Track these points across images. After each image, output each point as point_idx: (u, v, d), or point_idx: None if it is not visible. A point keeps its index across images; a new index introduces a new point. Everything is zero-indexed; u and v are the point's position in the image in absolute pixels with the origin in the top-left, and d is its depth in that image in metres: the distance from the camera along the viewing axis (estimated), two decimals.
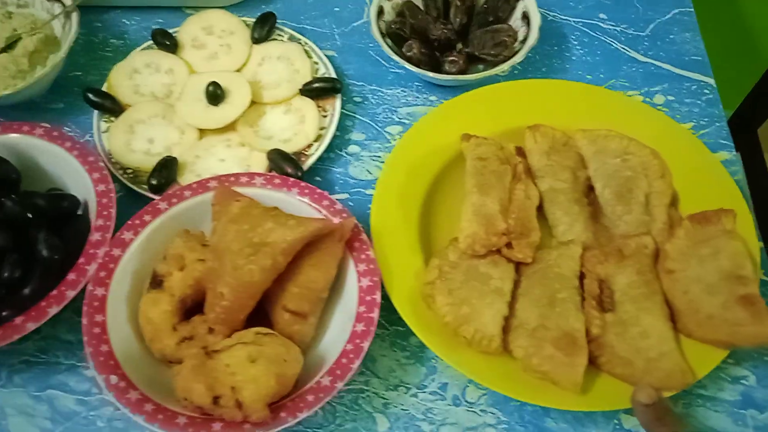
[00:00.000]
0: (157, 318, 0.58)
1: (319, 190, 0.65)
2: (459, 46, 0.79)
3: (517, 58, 0.74)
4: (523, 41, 0.77)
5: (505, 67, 0.74)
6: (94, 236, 0.61)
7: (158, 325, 0.58)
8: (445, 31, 0.77)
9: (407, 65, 0.74)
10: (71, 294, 0.58)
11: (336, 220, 0.62)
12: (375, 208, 0.65)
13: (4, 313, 0.59)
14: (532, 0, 0.78)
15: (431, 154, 0.70)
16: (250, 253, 0.57)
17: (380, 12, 0.79)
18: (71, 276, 0.59)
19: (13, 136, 0.67)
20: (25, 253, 0.61)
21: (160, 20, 0.86)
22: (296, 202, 0.64)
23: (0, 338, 0.55)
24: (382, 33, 0.77)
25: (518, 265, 0.63)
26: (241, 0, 0.87)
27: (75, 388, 0.61)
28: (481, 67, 0.78)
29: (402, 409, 0.60)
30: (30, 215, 0.62)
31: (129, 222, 0.62)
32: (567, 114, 0.72)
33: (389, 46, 0.76)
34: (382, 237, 0.63)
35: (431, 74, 0.74)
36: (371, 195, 0.72)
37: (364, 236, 0.62)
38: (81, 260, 0.60)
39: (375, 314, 0.57)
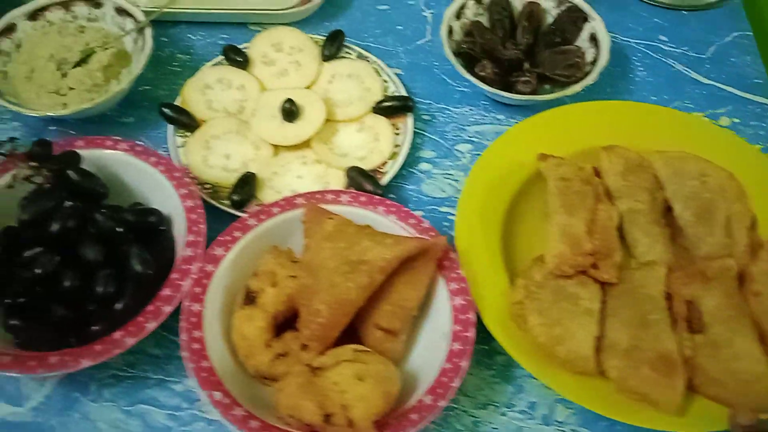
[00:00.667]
0: (251, 334, 0.59)
1: (405, 208, 0.66)
2: (526, 65, 0.80)
3: (589, 80, 0.75)
4: (592, 62, 0.78)
5: (577, 87, 0.75)
6: (186, 252, 0.62)
7: (253, 341, 0.59)
8: (516, 51, 0.78)
9: (481, 85, 0.75)
10: (168, 309, 0.58)
11: (424, 239, 0.63)
12: (459, 228, 0.66)
13: (94, 328, 0.60)
14: (600, 22, 0.79)
15: (508, 174, 0.71)
16: (348, 271, 0.58)
17: (449, 32, 0.80)
18: (166, 291, 0.59)
19: (98, 152, 0.67)
20: (117, 268, 0.61)
21: (225, 36, 0.87)
22: (382, 219, 0.65)
23: (100, 353, 0.56)
24: (453, 52, 0.78)
25: (602, 285, 0.64)
26: (305, 17, 0.88)
27: (165, 403, 0.61)
28: (547, 87, 0.79)
29: (492, 428, 0.61)
30: (119, 230, 0.62)
31: (220, 238, 0.63)
32: (639, 135, 0.73)
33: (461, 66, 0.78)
34: (468, 256, 0.64)
35: (505, 94, 0.75)
36: (445, 213, 0.73)
37: (453, 255, 0.62)
38: (174, 275, 0.60)
39: (471, 333, 0.58)
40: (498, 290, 0.63)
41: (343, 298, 0.58)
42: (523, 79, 0.76)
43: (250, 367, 0.59)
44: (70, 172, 0.63)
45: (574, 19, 0.80)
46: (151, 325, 0.57)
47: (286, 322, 0.61)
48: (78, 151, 0.66)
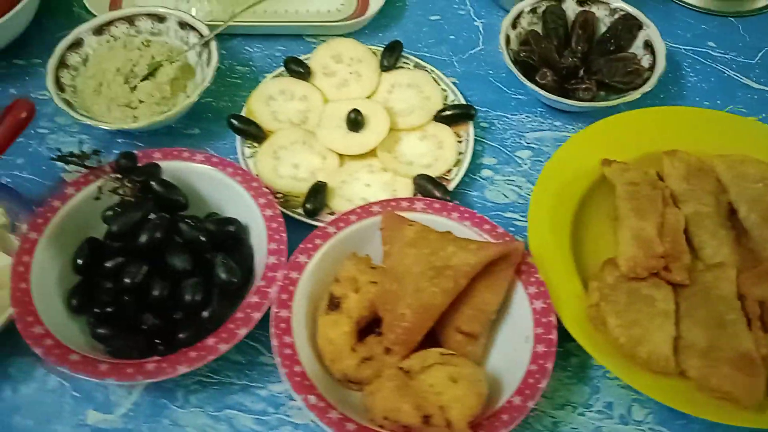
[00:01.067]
0: (337, 339, 0.60)
1: (478, 214, 0.67)
2: (581, 72, 0.82)
3: (648, 86, 0.77)
4: (649, 69, 0.79)
5: (636, 94, 0.76)
6: (270, 260, 0.63)
7: (339, 346, 0.60)
8: (575, 60, 0.79)
9: (542, 92, 0.77)
10: (257, 316, 0.60)
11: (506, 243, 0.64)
12: (531, 233, 0.67)
13: (181, 336, 0.61)
14: (655, 29, 0.81)
15: (574, 180, 0.72)
16: (433, 276, 0.59)
17: (507, 41, 0.82)
18: (254, 299, 0.61)
19: (174, 163, 0.69)
20: (203, 277, 0.63)
21: (282, 47, 0.89)
22: (456, 225, 0.66)
23: (195, 360, 0.57)
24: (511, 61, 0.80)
25: (674, 287, 0.65)
26: (359, 28, 0.90)
27: (251, 407, 0.62)
28: (602, 93, 0.81)
29: (572, 428, 0.62)
30: (203, 239, 0.64)
31: (302, 246, 0.64)
32: (698, 140, 0.75)
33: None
34: (542, 261, 0.65)
35: (568, 102, 0.77)
36: (510, 218, 0.75)
37: (530, 259, 0.64)
38: (261, 283, 0.62)
39: (554, 336, 0.59)
40: (572, 293, 0.64)
41: (428, 302, 0.59)
42: (584, 86, 0.77)
43: (337, 371, 0.60)
44: (154, 184, 0.65)
45: (629, 26, 0.82)
46: (243, 332, 0.59)
47: (366, 327, 0.63)
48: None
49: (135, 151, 0.67)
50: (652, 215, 0.66)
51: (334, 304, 0.61)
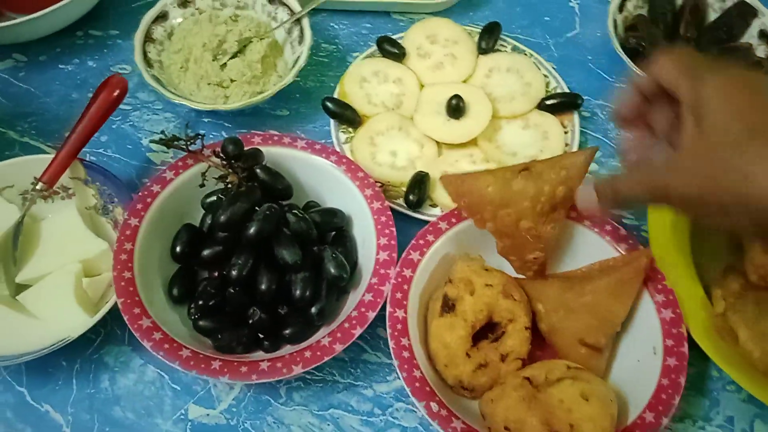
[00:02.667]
0: (453, 343, 0.57)
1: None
2: None
3: None
4: (766, 60, 0.75)
5: None
6: (381, 255, 0.60)
7: (454, 350, 0.57)
8: (689, 48, 0.75)
9: None
10: (371, 315, 0.57)
11: (622, 249, 0.61)
12: (653, 238, 0.64)
13: (287, 332, 0.59)
14: None
15: None
16: (545, 220, 0.58)
17: (614, 26, 0.77)
18: (368, 297, 0.58)
19: (275, 149, 0.65)
20: (311, 270, 0.60)
21: (368, 24, 0.85)
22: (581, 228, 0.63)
23: (311, 360, 0.54)
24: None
25: None
26: (449, 6, 0.85)
27: (357, 408, 0.60)
28: None
29: None
30: (310, 231, 0.61)
31: (414, 242, 0.61)
32: None
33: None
34: (665, 266, 0.62)
35: None
36: (617, 215, 0.71)
37: (656, 266, 0.61)
38: (374, 280, 0.59)
39: (685, 348, 0.56)
40: (697, 302, 0.61)
41: (551, 237, 0.59)
42: None
43: (451, 377, 0.57)
44: (259, 171, 0.61)
45: (743, 14, 0.77)
46: (358, 331, 0.56)
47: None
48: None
49: (237, 136, 0.64)
50: None
51: (449, 306, 0.58)
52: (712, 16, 0.80)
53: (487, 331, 0.60)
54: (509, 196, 0.58)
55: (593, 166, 0.74)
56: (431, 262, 0.61)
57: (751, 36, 0.77)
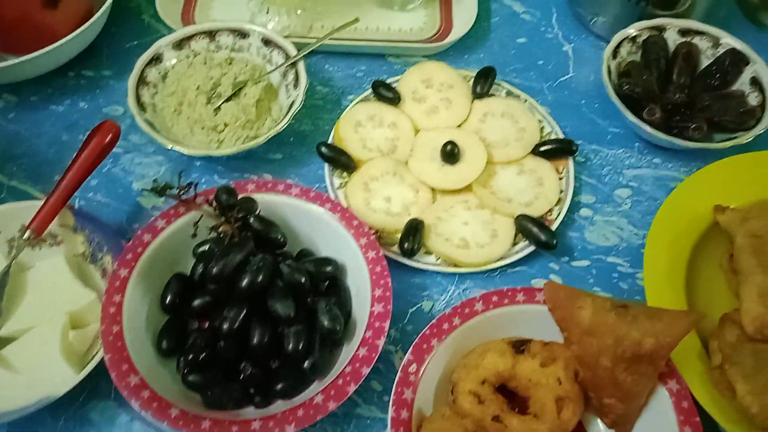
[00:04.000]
0: None
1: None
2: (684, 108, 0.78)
3: (761, 128, 0.73)
4: (759, 107, 0.75)
5: (750, 136, 0.72)
6: (376, 308, 0.59)
7: None
8: (682, 96, 0.75)
9: (652, 131, 0.72)
10: (366, 371, 0.56)
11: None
12: (649, 287, 0.63)
13: (279, 386, 0.57)
14: (763, 64, 0.77)
15: (687, 229, 0.68)
16: (626, 368, 0.55)
17: (608, 72, 0.77)
18: (362, 351, 0.57)
19: (269, 196, 0.65)
20: (304, 323, 0.59)
21: (363, 67, 0.85)
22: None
23: (303, 419, 0.53)
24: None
25: None
26: (444, 49, 0.85)
27: None
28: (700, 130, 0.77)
29: None
30: (303, 281, 0.60)
31: (433, 329, 0.59)
32: None
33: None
34: None
35: (680, 142, 0.72)
36: (612, 263, 0.71)
37: None
38: (368, 334, 0.58)
39: (697, 419, 0.55)
40: (694, 354, 0.60)
41: (631, 390, 0.55)
42: (693, 125, 0.73)
43: None
44: (253, 221, 0.60)
45: (736, 61, 0.78)
46: (352, 388, 0.55)
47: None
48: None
49: (231, 184, 0.63)
50: None
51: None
52: (705, 62, 0.80)
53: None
54: (598, 326, 0.56)
55: (586, 211, 0.74)
56: (446, 349, 0.59)
57: (743, 83, 0.78)
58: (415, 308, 0.67)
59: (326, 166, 0.73)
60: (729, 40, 0.79)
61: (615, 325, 0.55)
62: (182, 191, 0.59)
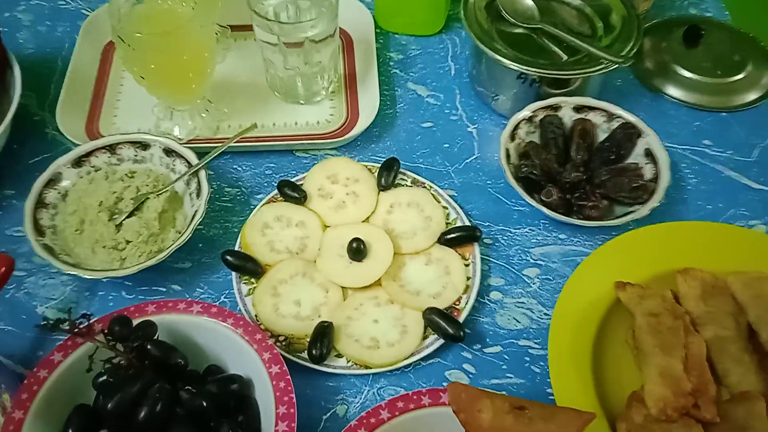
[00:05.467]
0: None
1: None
2: (584, 185, 0.79)
3: (655, 202, 0.75)
4: (652, 180, 0.78)
5: (645, 210, 0.74)
6: (280, 427, 0.58)
7: None
8: (578, 174, 0.77)
9: (549, 213, 0.74)
10: None
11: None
12: (554, 374, 0.64)
13: None
14: (655, 137, 0.80)
15: (590, 308, 0.70)
16: None
17: (507, 156, 0.79)
18: None
19: (170, 317, 0.64)
20: None
21: (271, 164, 0.85)
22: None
23: None
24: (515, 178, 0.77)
25: (704, 425, 0.62)
26: (350, 141, 0.87)
27: None
28: (605, 202, 0.78)
29: None
30: (205, 404, 0.59)
31: None
32: (712, 255, 0.73)
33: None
34: (569, 404, 0.62)
35: (576, 222, 0.74)
36: (525, 346, 0.71)
37: None
38: None
39: None
40: None
41: None
42: (591, 203, 0.75)
43: None
44: (150, 347, 0.60)
45: (629, 135, 0.80)
46: None
47: None
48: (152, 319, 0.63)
49: (127, 308, 0.63)
50: (677, 349, 0.64)
51: None
52: (601, 136, 0.83)
53: None
54: (497, 429, 0.56)
55: (496, 295, 0.75)
56: None
57: (638, 154, 0.81)
58: (329, 414, 0.67)
59: (233, 274, 0.73)
60: (620, 113, 0.82)
61: (512, 428, 0.55)
62: (74, 327, 0.58)
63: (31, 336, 0.70)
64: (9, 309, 0.72)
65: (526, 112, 0.82)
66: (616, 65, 0.81)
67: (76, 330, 0.59)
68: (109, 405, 0.56)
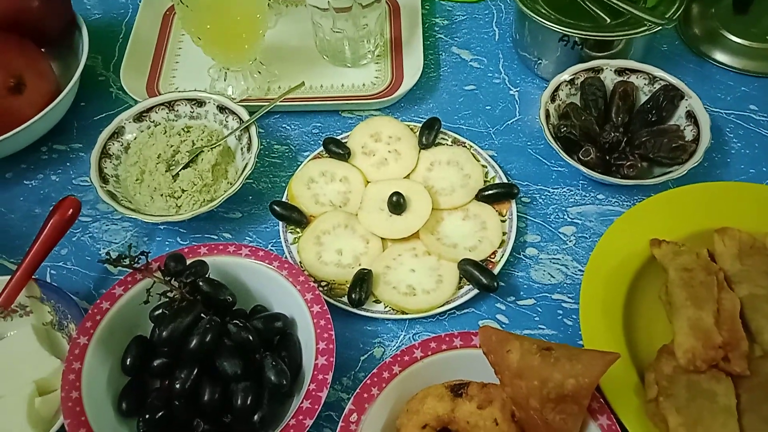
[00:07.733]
0: None
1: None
2: (623, 145, 0.80)
3: (693, 161, 0.75)
4: (693, 141, 0.78)
5: (683, 170, 0.75)
6: (320, 360, 0.62)
7: None
8: (618, 134, 0.78)
9: (587, 171, 0.76)
10: (308, 422, 0.59)
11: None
12: (584, 324, 0.66)
13: None
14: (697, 100, 0.80)
15: (624, 263, 0.71)
16: (553, 407, 0.57)
17: (547, 116, 0.81)
18: (306, 404, 0.60)
19: (221, 258, 0.69)
20: (253, 379, 0.62)
21: (318, 123, 0.89)
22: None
23: None
24: (552, 136, 0.79)
25: (733, 378, 0.63)
26: (395, 102, 0.90)
27: None
28: (644, 165, 0.79)
29: None
30: (251, 339, 0.63)
31: (374, 378, 0.62)
32: (749, 216, 0.73)
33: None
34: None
35: (613, 180, 0.75)
36: (558, 300, 0.73)
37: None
38: (312, 386, 0.61)
39: None
40: (631, 388, 0.63)
41: (562, 428, 0.57)
42: (629, 163, 0.76)
43: None
44: (202, 284, 0.64)
45: (671, 97, 0.81)
46: None
47: None
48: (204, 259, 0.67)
49: (182, 249, 0.67)
50: (708, 303, 0.65)
51: None
52: (642, 99, 0.84)
53: None
54: (525, 368, 0.58)
55: (532, 251, 0.77)
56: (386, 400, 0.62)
57: (679, 117, 0.81)
58: (366, 355, 0.70)
59: (280, 224, 0.77)
60: (663, 75, 0.83)
61: (540, 367, 0.58)
62: (133, 261, 0.64)
63: (94, 275, 0.76)
64: (75, 251, 0.78)
65: (567, 75, 0.83)
66: (660, 27, 0.81)
67: (135, 265, 0.64)
68: (164, 333, 0.61)
